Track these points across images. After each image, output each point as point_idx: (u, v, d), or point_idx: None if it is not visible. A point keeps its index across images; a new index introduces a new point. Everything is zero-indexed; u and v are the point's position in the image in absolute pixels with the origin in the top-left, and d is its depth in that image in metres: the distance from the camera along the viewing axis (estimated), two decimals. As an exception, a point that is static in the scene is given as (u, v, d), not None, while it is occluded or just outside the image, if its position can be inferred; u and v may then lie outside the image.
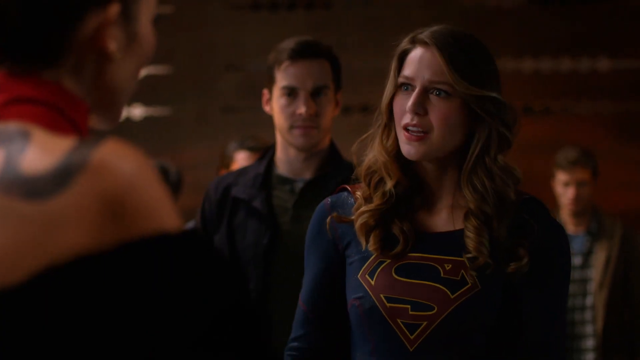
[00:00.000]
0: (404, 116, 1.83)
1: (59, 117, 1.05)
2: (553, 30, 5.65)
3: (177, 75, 5.53)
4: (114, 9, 1.08)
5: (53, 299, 0.95)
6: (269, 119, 5.79)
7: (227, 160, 4.13)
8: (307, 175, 2.75)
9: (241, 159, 4.08)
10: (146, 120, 5.65)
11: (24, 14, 1.06)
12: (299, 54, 2.70)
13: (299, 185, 2.75)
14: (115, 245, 0.95)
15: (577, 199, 4.37)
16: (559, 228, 1.90)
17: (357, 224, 1.86)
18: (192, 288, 0.97)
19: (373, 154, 1.89)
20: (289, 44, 2.72)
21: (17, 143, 1.01)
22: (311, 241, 1.97)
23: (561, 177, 4.40)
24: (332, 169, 2.74)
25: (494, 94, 1.83)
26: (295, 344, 1.96)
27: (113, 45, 1.09)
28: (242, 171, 2.86)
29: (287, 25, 5.74)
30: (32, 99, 1.05)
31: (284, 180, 2.76)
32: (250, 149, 4.10)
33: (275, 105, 2.73)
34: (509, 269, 1.79)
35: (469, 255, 1.80)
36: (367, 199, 1.88)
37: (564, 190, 4.39)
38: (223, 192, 2.78)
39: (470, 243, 1.80)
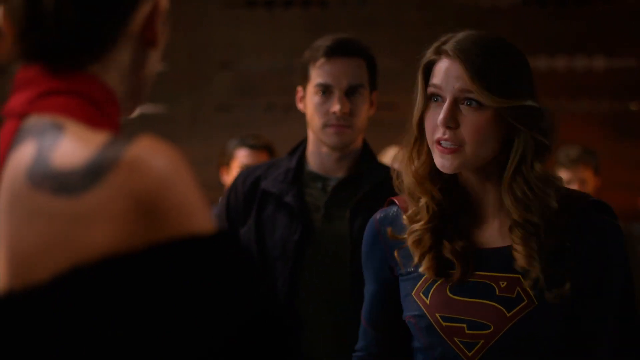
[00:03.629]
0: (436, 130, 1.76)
1: (95, 110, 1.03)
2: (549, 29, 5.64)
3: (172, 73, 5.51)
4: None
5: (79, 298, 0.92)
6: (263, 117, 5.81)
7: (227, 158, 4.12)
8: (340, 173, 2.70)
9: (242, 157, 4.07)
10: (140, 118, 5.63)
11: (81, 12, 1.03)
12: (335, 51, 2.64)
13: (332, 184, 2.69)
14: (145, 246, 0.92)
15: None
16: (616, 235, 1.82)
17: (410, 242, 1.82)
18: (221, 293, 0.95)
19: (403, 175, 1.84)
20: (325, 41, 2.66)
21: (50, 136, 0.98)
22: (365, 257, 1.94)
23: (563, 175, 4.36)
24: (366, 170, 2.69)
25: (527, 102, 1.74)
26: (357, 353, 1.97)
27: (163, 34, 1.08)
28: (272, 164, 2.80)
29: (282, 24, 5.72)
30: (68, 91, 1.03)
31: (316, 177, 2.71)
32: (251, 146, 4.08)
33: (309, 102, 2.67)
34: (548, 294, 1.74)
35: (520, 268, 1.75)
36: (414, 218, 1.83)
37: (566, 188, 4.38)
38: (252, 184, 2.73)
39: (518, 256, 1.75)
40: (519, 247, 1.75)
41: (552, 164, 4.50)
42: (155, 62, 1.11)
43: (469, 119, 1.74)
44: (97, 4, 1.03)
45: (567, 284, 1.73)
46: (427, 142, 1.80)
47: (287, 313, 1.01)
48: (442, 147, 1.76)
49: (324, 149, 2.69)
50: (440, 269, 1.79)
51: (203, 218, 0.95)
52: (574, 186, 4.34)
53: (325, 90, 2.64)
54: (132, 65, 1.08)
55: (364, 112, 2.67)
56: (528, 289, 1.74)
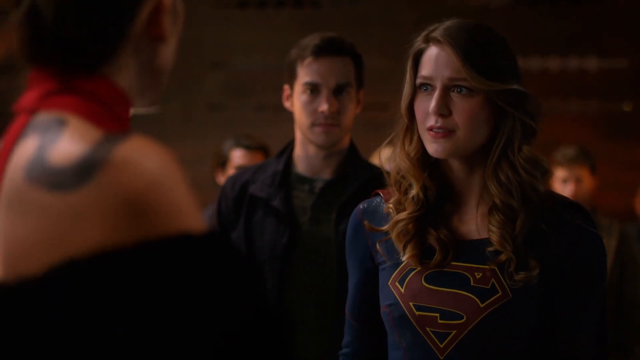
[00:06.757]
0: (428, 118, 1.79)
1: (102, 109, 1.04)
2: (541, 29, 5.65)
3: (163, 72, 5.50)
4: None
5: (69, 293, 0.93)
6: (254, 117, 5.81)
7: (222, 159, 4.12)
8: (326, 174, 2.71)
9: (237, 157, 4.07)
10: (132, 117, 5.62)
11: (80, 27, 1.04)
12: (323, 50, 2.64)
13: (319, 185, 2.70)
14: (135, 243, 0.93)
15: (575, 196, 4.36)
16: (593, 238, 1.82)
17: (394, 234, 1.83)
18: (212, 293, 0.94)
19: (397, 160, 1.86)
20: (312, 40, 2.67)
21: (53, 131, 1.00)
22: (349, 247, 1.95)
23: (560, 173, 4.41)
24: (351, 170, 2.69)
25: (514, 86, 1.77)
26: (344, 350, 1.98)
27: (169, 29, 1.09)
28: (260, 168, 2.81)
29: (274, 23, 5.72)
30: (77, 90, 1.04)
31: (303, 180, 2.72)
32: (246, 147, 4.09)
33: (297, 101, 2.68)
34: (516, 277, 1.75)
35: (491, 249, 1.76)
36: (399, 207, 1.85)
37: (563, 187, 4.40)
38: (240, 189, 2.74)
39: (493, 237, 1.76)
40: (494, 229, 1.77)
41: (550, 163, 4.51)
42: (167, 55, 1.12)
43: (461, 105, 1.78)
44: (97, 19, 1.04)
45: (536, 270, 1.74)
46: (417, 130, 1.83)
47: (282, 312, 1.00)
48: (434, 132, 1.78)
49: (311, 148, 2.70)
50: (423, 256, 1.81)
51: (193, 218, 0.96)
52: (571, 185, 4.38)
53: (313, 89, 2.64)
54: (144, 62, 1.09)
55: (352, 110, 2.68)
56: (503, 281, 1.76)
